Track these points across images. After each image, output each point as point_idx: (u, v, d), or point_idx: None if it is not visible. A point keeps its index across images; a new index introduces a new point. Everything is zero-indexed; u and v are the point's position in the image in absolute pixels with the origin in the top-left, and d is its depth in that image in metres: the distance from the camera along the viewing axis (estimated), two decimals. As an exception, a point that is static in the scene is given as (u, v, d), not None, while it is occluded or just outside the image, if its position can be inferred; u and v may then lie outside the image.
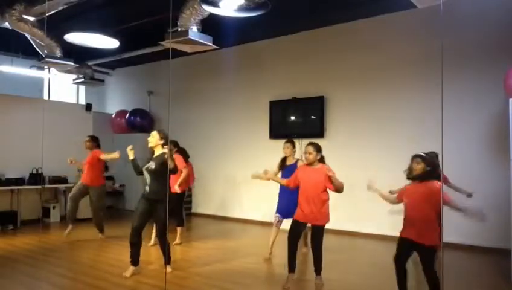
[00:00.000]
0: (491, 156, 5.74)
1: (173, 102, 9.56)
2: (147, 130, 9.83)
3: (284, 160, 5.54)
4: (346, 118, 7.11)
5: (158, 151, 4.65)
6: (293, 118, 7.78)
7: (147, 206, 4.52)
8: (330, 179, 3.96)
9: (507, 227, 4.60)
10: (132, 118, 9.70)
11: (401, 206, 3.60)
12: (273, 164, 7.61)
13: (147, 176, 4.56)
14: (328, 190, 4.11)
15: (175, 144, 6.10)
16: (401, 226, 3.55)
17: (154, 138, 4.65)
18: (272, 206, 7.71)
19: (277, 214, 5.36)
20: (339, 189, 4.02)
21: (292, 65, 7.77)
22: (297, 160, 5.43)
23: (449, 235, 5.55)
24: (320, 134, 7.14)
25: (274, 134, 7.86)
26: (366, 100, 6.91)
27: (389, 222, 6.43)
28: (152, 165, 4.52)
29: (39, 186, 7.59)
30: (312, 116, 7.46)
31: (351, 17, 6.86)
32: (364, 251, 5.98)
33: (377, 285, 4.32)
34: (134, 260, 4.53)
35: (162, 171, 4.41)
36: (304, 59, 7.61)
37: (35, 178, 7.56)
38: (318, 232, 4.09)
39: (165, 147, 4.60)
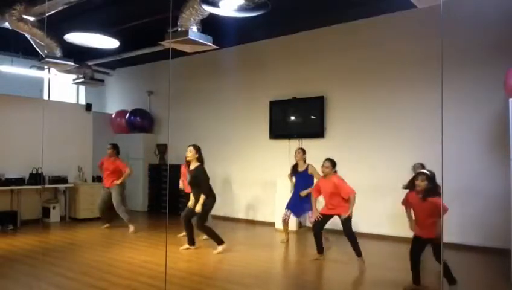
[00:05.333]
0: (491, 156, 5.74)
1: (173, 102, 9.55)
2: (147, 130, 9.84)
3: (295, 166, 5.92)
4: (346, 118, 7.11)
5: (193, 165, 5.43)
6: (293, 118, 7.78)
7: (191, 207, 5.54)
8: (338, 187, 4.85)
9: (507, 227, 4.59)
10: (132, 118, 9.70)
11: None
12: (273, 164, 7.70)
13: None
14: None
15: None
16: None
17: (191, 153, 5.34)
18: (270, 206, 7.76)
19: (286, 210, 5.98)
20: (346, 197, 4.85)
21: (292, 65, 7.77)
22: (308, 165, 5.80)
23: (449, 235, 5.55)
24: (320, 134, 7.14)
25: (274, 134, 7.86)
26: (366, 100, 6.91)
27: (388, 222, 6.44)
28: (188, 178, 5.50)
29: (39, 187, 7.58)
30: (312, 116, 7.46)
31: (351, 17, 6.86)
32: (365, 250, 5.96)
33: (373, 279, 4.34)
34: (189, 241, 5.64)
35: (196, 183, 5.36)
36: (304, 59, 7.61)
37: (35, 178, 7.55)
38: (345, 222, 4.86)
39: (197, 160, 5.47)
